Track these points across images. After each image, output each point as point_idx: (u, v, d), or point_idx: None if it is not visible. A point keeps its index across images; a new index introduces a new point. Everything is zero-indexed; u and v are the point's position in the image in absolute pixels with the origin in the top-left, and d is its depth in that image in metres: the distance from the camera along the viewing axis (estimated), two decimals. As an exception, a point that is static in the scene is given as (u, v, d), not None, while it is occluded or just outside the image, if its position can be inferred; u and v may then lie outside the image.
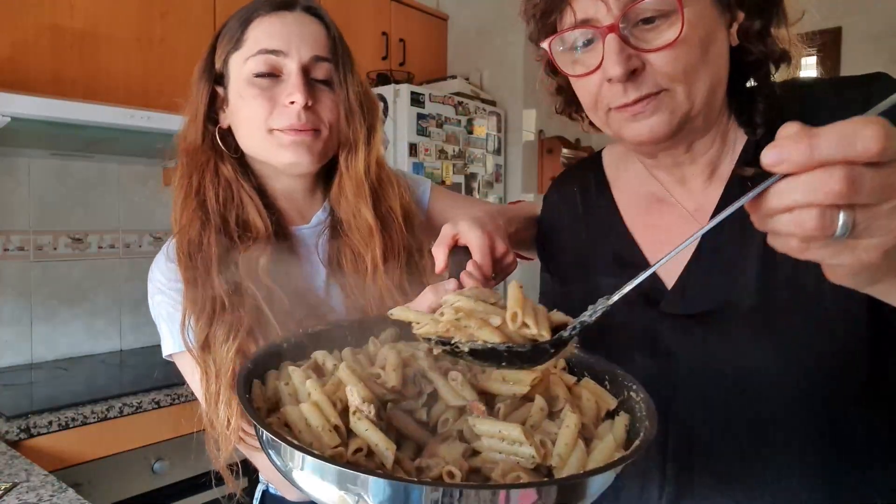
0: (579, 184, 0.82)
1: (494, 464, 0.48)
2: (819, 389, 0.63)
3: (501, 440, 0.50)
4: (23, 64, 1.64)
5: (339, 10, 2.43)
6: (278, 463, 0.48)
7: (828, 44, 2.56)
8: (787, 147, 0.37)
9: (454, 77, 2.81)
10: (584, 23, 0.61)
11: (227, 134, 0.81)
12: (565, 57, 0.65)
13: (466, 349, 0.51)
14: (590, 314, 0.51)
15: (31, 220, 1.96)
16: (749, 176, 0.65)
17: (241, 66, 0.77)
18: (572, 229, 0.81)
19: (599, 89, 0.63)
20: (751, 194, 0.40)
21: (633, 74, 0.60)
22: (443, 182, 2.60)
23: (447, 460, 0.48)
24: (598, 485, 0.46)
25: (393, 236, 0.82)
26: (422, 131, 2.51)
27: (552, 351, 0.52)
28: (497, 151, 2.90)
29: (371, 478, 0.43)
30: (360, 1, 2.53)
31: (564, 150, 2.95)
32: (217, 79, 0.80)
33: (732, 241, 0.66)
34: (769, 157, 0.38)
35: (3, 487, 1.05)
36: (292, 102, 0.74)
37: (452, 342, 0.51)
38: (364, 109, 0.81)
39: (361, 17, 2.55)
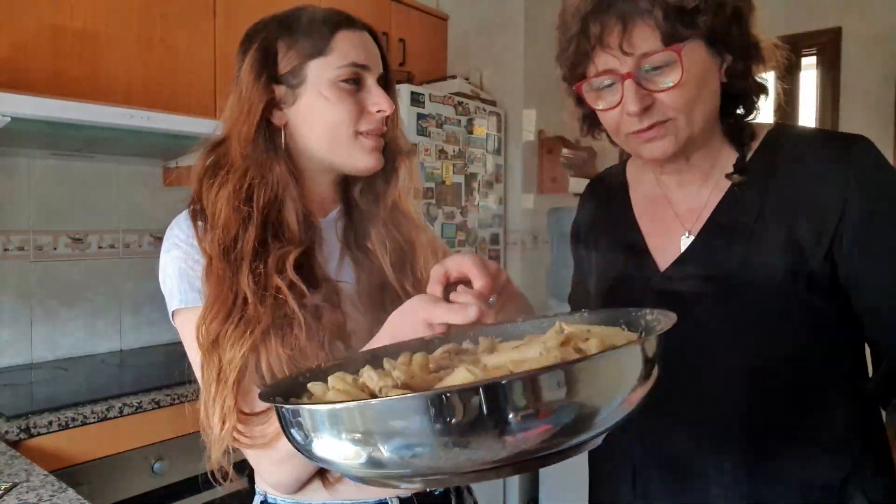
0: (606, 185, 1.00)
1: None
2: (775, 380, 0.78)
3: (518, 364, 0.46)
4: (23, 64, 1.63)
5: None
6: (299, 438, 0.47)
7: (828, 44, 2.56)
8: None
9: (454, 77, 2.81)
10: (606, 72, 0.77)
11: (280, 131, 0.84)
12: (592, 95, 0.81)
13: None
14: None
15: (31, 220, 1.96)
16: (737, 182, 0.81)
17: (326, 71, 0.81)
18: (597, 223, 0.97)
19: (620, 119, 0.79)
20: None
21: (646, 109, 0.76)
22: (443, 182, 2.60)
23: None
24: (626, 374, 0.43)
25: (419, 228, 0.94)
26: (422, 131, 2.51)
27: None
28: (497, 151, 2.90)
29: (384, 403, 0.41)
30: (360, 1, 2.53)
31: (564, 150, 2.95)
32: (281, 78, 0.83)
33: (725, 234, 0.80)
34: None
35: (3, 487, 1.05)
36: (379, 111, 0.83)
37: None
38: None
39: (361, 16, 2.54)
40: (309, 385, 0.56)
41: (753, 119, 0.84)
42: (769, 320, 0.77)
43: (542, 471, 2.82)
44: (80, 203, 2.06)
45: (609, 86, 0.78)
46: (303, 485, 0.79)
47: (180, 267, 0.80)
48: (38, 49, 1.66)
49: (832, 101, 2.55)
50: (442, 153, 2.60)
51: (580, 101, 0.86)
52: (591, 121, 0.90)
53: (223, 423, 0.74)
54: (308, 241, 0.83)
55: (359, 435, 0.42)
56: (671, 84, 0.74)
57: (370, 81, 0.84)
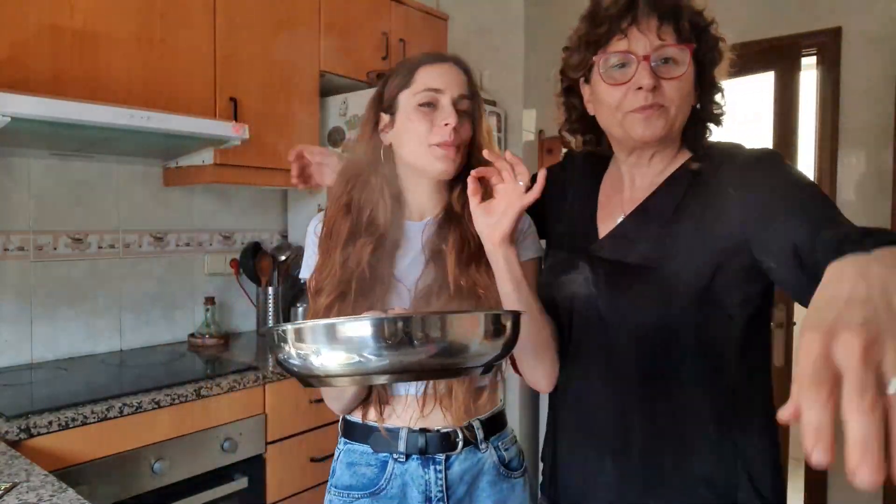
0: (591, 165, 1.10)
1: None
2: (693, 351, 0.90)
3: None
4: (23, 64, 1.63)
5: (339, 10, 2.42)
6: (297, 361, 0.68)
7: (828, 44, 2.56)
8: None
9: (454, 77, 2.81)
10: (625, 52, 0.89)
11: (389, 149, 1.09)
12: (603, 74, 0.92)
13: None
14: None
15: (31, 220, 1.96)
16: (694, 168, 0.95)
17: (410, 98, 1.04)
18: (564, 200, 1.10)
19: (625, 97, 0.90)
20: None
21: (653, 89, 0.88)
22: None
23: None
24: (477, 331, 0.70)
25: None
26: (422, 131, 2.50)
27: None
28: (497, 151, 2.90)
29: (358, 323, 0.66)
30: (360, 1, 2.53)
31: (564, 150, 2.95)
32: (385, 109, 1.07)
33: (659, 215, 0.93)
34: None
35: (3, 487, 1.05)
36: (446, 124, 1.01)
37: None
38: (491, 138, 1.11)
39: (361, 16, 2.54)
40: None
41: (706, 137, 1.00)
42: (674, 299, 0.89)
43: (542, 471, 2.82)
44: (80, 203, 2.06)
45: (623, 66, 0.90)
46: (350, 410, 1.09)
47: (305, 251, 1.13)
48: (38, 49, 1.66)
49: (832, 101, 2.55)
50: (442, 153, 2.59)
51: (571, 91, 1.03)
52: (578, 112, 1.04)
53: None
54: (389, 239, 1.05)
55: (323, 346, 0.67)
56: (677, 74, 0.88)
57: (444, 102, 1.03)
